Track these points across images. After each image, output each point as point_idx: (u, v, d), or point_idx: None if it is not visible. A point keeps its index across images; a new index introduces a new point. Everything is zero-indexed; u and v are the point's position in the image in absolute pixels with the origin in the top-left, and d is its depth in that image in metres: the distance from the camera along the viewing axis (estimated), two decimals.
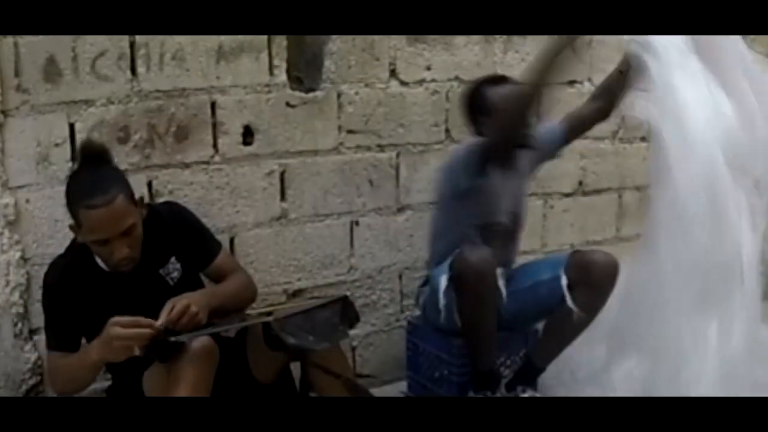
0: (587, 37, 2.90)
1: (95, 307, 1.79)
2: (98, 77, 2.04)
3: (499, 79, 2.30)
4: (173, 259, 1.90)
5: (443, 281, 2.15)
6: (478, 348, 2.22)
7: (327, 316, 1.80)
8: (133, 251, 1.77)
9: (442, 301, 2.17)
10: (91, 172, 1.77)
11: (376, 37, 2.45)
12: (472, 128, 2.32)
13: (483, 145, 2.20)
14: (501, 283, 2.18)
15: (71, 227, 1.80)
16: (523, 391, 2.27)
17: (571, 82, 2.91)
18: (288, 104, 2.35)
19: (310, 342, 1.73)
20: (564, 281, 2.19)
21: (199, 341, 1.67)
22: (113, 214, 1.70)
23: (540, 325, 2.42)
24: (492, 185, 2.23)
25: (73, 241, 1.86)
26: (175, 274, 1.91)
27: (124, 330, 1.63)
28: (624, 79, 2.17)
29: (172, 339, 1.67)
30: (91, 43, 2.02)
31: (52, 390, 1.93)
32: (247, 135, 2.30)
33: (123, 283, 1.83)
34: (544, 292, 2.25)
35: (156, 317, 1.71)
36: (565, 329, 2.26)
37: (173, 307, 1.71)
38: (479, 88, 2.30)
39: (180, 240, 1.92)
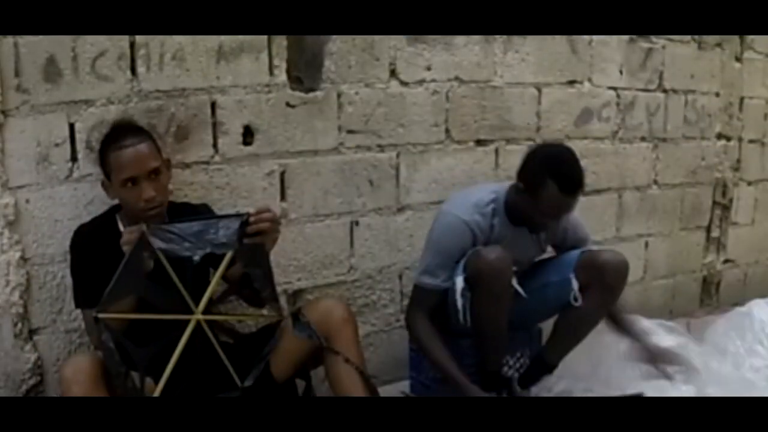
0: (587, 37, 2.91)
1: (114, 271, 1.80)
2: (98, 77, 2.04)
3: (579, 184, 2.12)
4: None
5: (459, 282, 2.14)
6: (489, 347, 2.22)
7: (218, 230, 1.75)
8: (159, 196, 1.87)
9: (459, 302, 2.15)
10: (123, 126, 1.96)
11: (376, 37, 2.45)
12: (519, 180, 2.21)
13: (512, 201, 2.21)
14: (515, 282, 2.17)
15: (103, 184, 1.93)
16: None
17: (571, 82, 2.91)
18: (288, 104, 2.34)
19: (183, 248, 1.72)
20: (575, 284, 2.20)
21: (79, 358, 1.71)
22: (140, 153, 1.86)
23: (543, 324, 2.43)
24: (504, 234, 2.23)
25: (102, 213, 1.98)
26: (196, 258, 1.93)
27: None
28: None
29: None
30: (91, 43, 2.01)
31: (95, 345, 1.89)
32: (247, 135, 2.30)
33: None
34: (553, 293, 2.25)
35: (170, 287, 1.78)
36: (575, 328, 2.27)
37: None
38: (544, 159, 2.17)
39: None
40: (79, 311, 2.00)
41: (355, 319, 1.99)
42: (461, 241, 2.18)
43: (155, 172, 1.87)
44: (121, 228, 1.92)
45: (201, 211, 2.05)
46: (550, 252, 2.43)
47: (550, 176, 2.06)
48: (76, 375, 1.66)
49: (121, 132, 1.91)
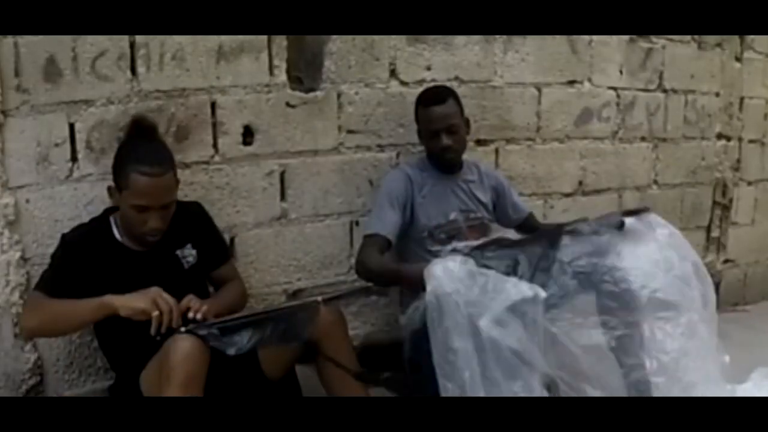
0: (587, 37, 2.91)
1: (106, 276, 1.84)
2: (98, 77, 2.04)
3: (429, 100, 2.34)
4: (190, 245, 2.00)
5: None
6: None
7: (287, 326, 1.79)
8: (163, 226, 1.87)
9: None
10: (147, 142, 1.90)
11: (376, 37, 2.45)
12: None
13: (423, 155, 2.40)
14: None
15: (110, 189, 1.89)
16: None
17: (571, 82, 2.91)
18: (288, 104, 2.35)
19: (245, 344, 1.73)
20: None
21: (188, 341, 1.68)
22: (163, 185, 1.83)
23: None
24: (432, 182, 2.34)
25: (97, 216, 1.96)
26: (190, 259, 1.99)
27: (168, 297, 1.73)
28: None
29: (183, 329, 1.70)
30: (91, 43, 2.02)
31: (23, 324, 1.91)
32: (247, 135, 2.30)
33: (138, 257, 1.90)
34: None
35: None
36: None
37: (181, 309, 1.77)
38: (417, 101, 2.38)
39: (200, 234, 2.03)
40: None
41: (344, 319, 2.00)
42: (400, 183, 2.30)
43: (168, 204, 1.87)
44: (116, 233, 1.92)
45: (193, 210, 2.06)
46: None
47: (418, 102, 2.37)
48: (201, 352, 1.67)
49: (149, 152, 1.84)
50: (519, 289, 1.83)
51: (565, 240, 2.03)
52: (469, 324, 1.79)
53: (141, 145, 1.88)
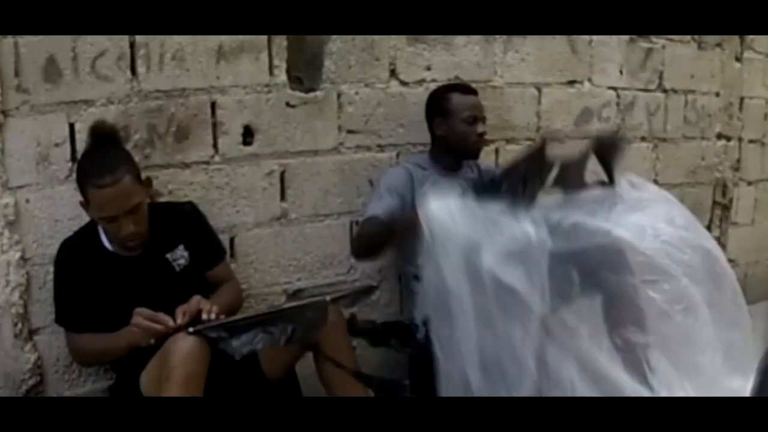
0: (587, 37, 2.91)
1: (101, 287, 1.87)
2: (98, 77, 2.04)
3: (465, 89, 2.42)
4: (181, 246, 1.98)
5: None
6: None
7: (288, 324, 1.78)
8: (138, 228, 1.85)
9: None
10: (101, 152, 1.87)
11: (376, 37, 2.45)
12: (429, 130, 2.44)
13: (435, 145, 2.42)
14: None
15: (81, 204, 1.88)
16: None
17: (571, 82, 2.91)
18: (288, 104, 2.35)
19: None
20: None
21: (188, 341, 1.69)
22: (120, 193, 1.79)
23: None
24: (434, 180, 2.34)
25: (86, 224, 1.95)
26: (182, 261, 1.98)
27: (144, 321, 1.74)
28: None
29: (190, 329, 1.71)
30: (91, 43, 2.02)
31: (75, 360, 2.02)
32: (247, 135, 2.30)
33: (128, 264, 1.90)
34: None
35: (159, 300, 1.80)
36: None
37: (184, 311, 1.77)
38: (444, 91, 2.42)
39: (191, 235, 2.01)
40: None
41: (343, 320, 2.01)
42: (399, 176, 2.32)
43: (134, 208, 1.83)
44: (104, 241, 1.92)
45: (185, 211, 2.05)
46: None
47: (449, 91, 2.40)
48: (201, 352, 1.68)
49: (100, 163, 1.81)
50: (523, 231, 1.76)
51: (556, 198, 1.97)
52: (467, 264, 1.72)
53: (93, 157, 1.87)
